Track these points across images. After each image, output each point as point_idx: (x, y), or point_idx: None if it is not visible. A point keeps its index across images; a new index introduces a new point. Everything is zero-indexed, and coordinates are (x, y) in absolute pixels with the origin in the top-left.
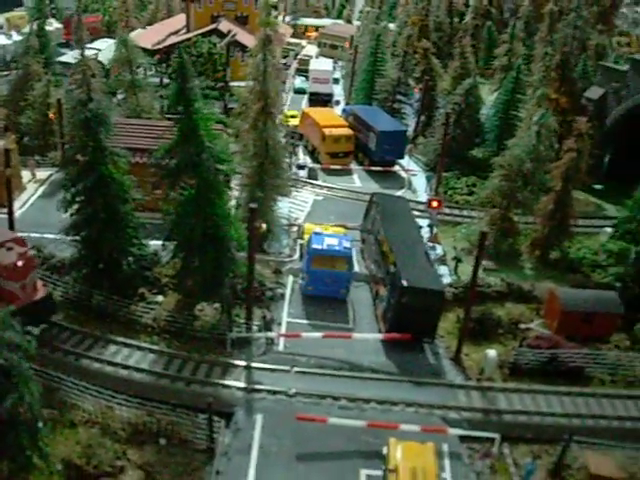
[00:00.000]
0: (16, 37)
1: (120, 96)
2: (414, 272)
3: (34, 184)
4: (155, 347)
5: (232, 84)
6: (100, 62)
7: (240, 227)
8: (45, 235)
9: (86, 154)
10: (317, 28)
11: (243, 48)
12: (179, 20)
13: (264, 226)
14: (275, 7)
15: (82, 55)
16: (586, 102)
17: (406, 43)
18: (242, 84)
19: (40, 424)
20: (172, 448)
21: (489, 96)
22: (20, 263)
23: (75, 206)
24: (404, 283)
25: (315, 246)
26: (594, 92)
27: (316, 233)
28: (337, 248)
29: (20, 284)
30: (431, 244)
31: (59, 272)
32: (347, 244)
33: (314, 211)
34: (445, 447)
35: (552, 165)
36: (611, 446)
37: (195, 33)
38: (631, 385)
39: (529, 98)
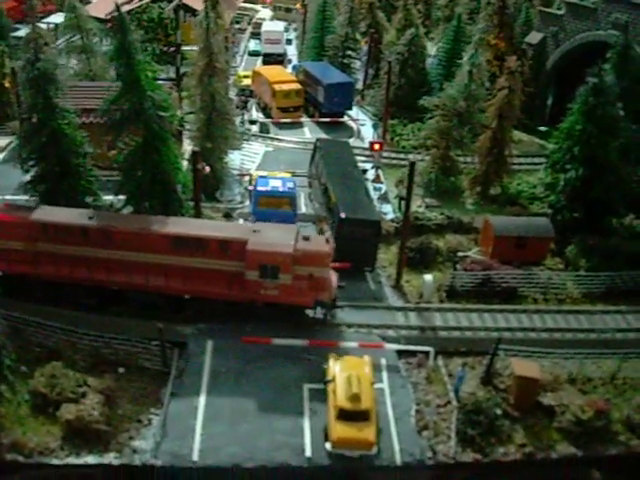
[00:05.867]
0: None
1: (74, 61)
2: (352, 206)
3: None
4: None
5: (185, 48)
6: None
7: (186, 173)
8: (6, 197)
9: (37, 112)
10: None
11: (193, 12)
12: None
13: (207, 169)
14: None
15: (33, 24)
16: (527, 47)
17: None
18: (195, 48)
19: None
20: (130, 375)
21: (434, 46)
22: (331, 249)
23: (31, 163)
24: (342, 215)
25: (260, 188)
26: (534, 37)
27: (261, 177)
28: (281, 189)
29: (331, 271)
30: (376, 184)
31: None
32: (290, 185)
33: (265, 161)
34: (383, 361)
35: (487, 104)
36: (537, 353)
37: (147, 0)
38: (562, 302)
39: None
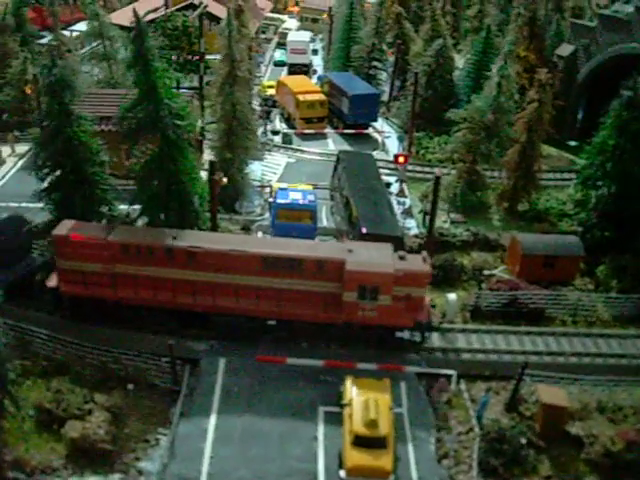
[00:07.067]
0: None
1: (97, 69)
2: (374, 221)
3: (13, 158)
4: None
5: (209, 57)
6: None
7: (205, 184)
8: (23, 204)
9: (53, 118)
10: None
11: (217, 20)
12: None
13: (225, 180)
14: None
15: (55, 31)
16: (557, 59)
17: (379, 9)
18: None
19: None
20: (139, 392)
21: (462, 58)
22: (431, 268)
23: (46, 170)
24: (363, 230)
25: (280, 200)
26: (564, 49)
27: (281, 189)
28: (301, 202)
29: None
30: (400, 198)
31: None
32: (311, 197)
33: (286, 173)
34: (403, 384)
35: (516, 117)
36: (564, 379)
37: (172, 9)
38: (592, 325)
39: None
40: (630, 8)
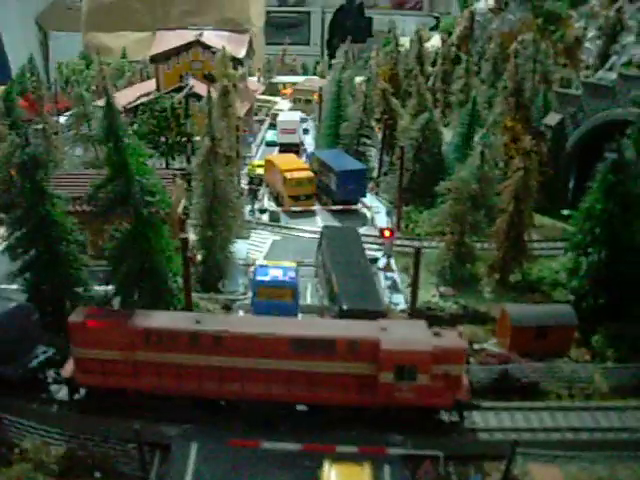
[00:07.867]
0: None
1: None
2: (355, 296)
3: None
4: None
5: (198, 139)
6: None
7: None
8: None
9: (26, 197)
10: (292, 85)
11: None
12: (151, 83)
13: (199, 257)
14: (241, 63)
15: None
16: (545, 129)
17: (367, 85)
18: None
19: None
20: None
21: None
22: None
23: (19, 250)
24: (344, 307)
25: (259, 278)
26: (552, 118)
27: (261, 266)
28: (281, 279)
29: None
30: (387, 273)
31: None
32: (292, 274)
33: (273, 250)
34: (386, 468)
35: (501, 186)
36: (560, 457)
37: (163, 92)
38: (589, 398)
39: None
40: (613, 75)
